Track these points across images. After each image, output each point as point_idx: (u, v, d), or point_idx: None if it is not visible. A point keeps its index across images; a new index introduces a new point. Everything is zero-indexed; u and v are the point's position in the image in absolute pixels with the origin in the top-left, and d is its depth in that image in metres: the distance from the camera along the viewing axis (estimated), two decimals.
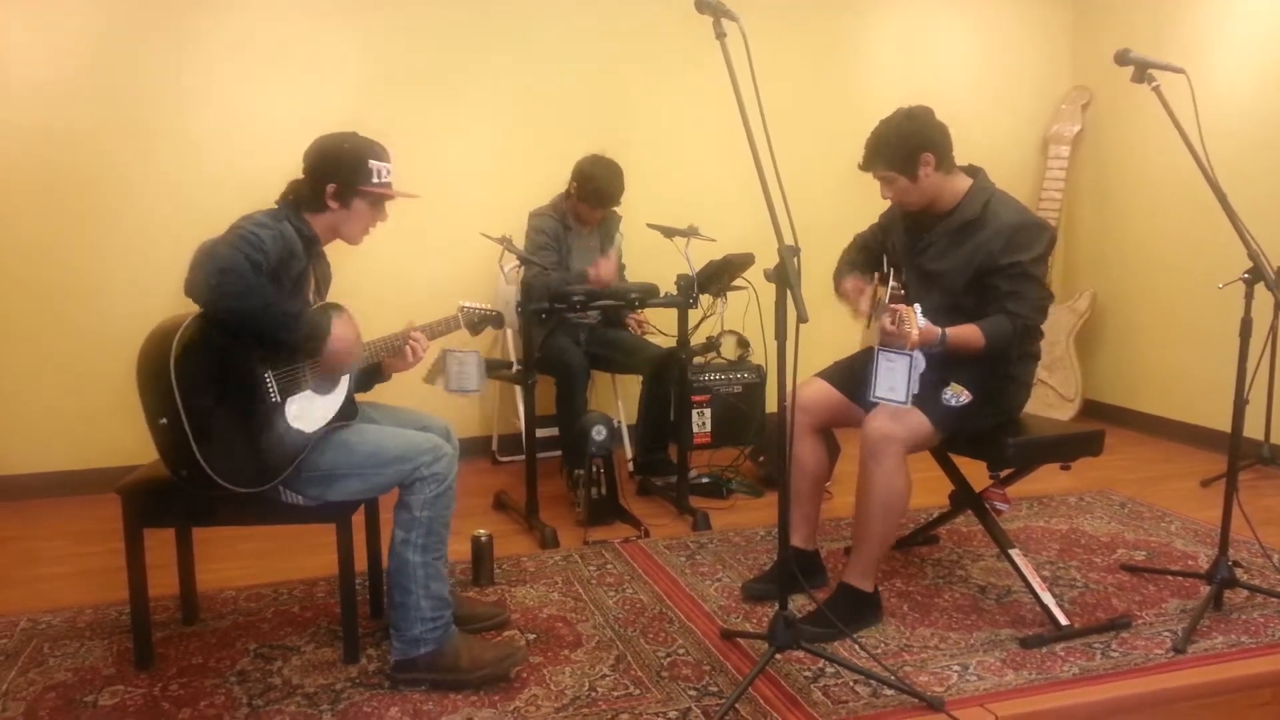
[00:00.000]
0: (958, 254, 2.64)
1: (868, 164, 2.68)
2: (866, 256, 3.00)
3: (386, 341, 2.46)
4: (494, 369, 3.94)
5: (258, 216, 2.24)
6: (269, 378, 2.22)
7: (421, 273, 4.28)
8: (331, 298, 2.53)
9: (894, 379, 2.46)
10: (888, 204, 2.97)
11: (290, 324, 2.17)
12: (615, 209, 4.14)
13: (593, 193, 3.87)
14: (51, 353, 3.91)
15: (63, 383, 3.92)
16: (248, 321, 2.14)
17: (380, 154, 2.37)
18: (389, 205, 2.46)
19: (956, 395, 2.55)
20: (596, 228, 4.09)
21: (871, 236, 3.02)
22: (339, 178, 2.32)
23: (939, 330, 2.48)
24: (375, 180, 2.35)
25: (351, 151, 2.34)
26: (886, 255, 2.92)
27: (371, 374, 2.55)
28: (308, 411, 2.29)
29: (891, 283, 2.76)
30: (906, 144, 2.59)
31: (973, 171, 2.71)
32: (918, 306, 2.39)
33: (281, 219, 2.28)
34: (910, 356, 2.42)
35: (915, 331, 2.33)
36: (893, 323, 2.40)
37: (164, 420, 2.11)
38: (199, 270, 2.09)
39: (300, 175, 2.37)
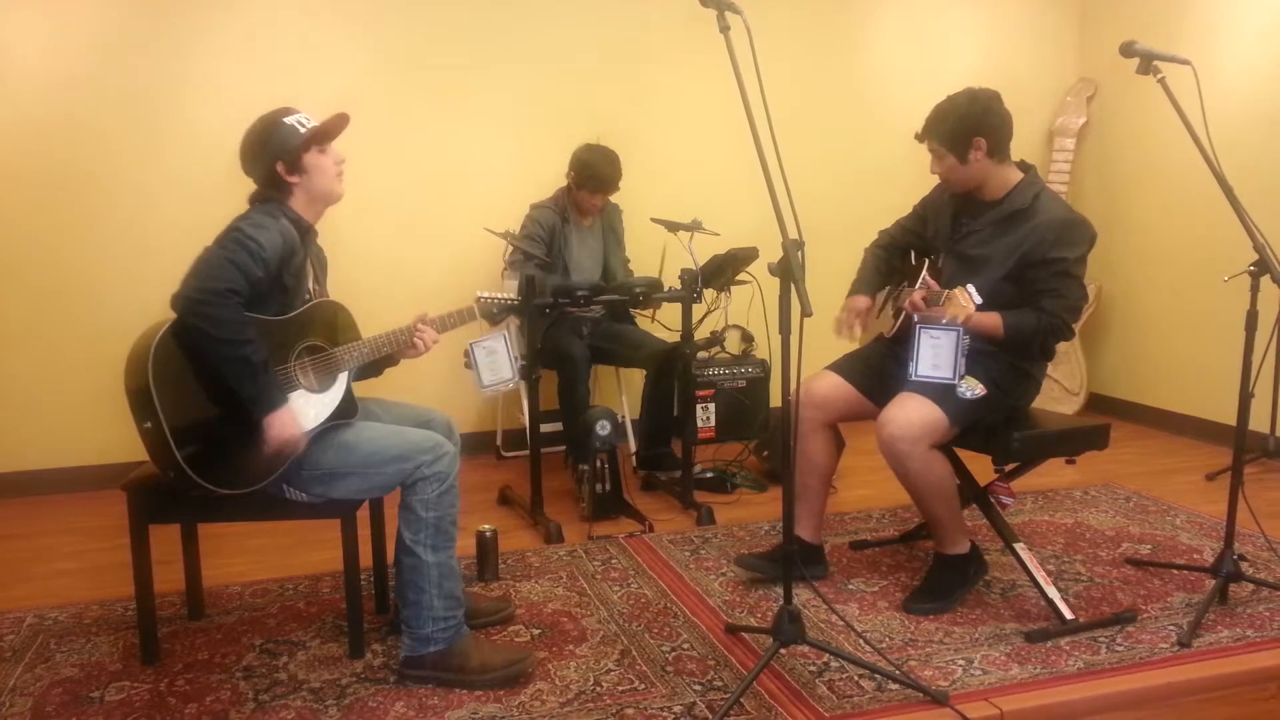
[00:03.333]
0: (1002, 242, 2.64)
1: (924, 134, 2.69)
2: (889, 262, 2.97)
3: (392, 335, 2.46)
4: None
5: (254, 216, 2.23)
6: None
7: (426, 267, 4.28)
8: (335, 294, 2.53)
9: (939, 356, 2.46)
10: (896, 197, 2.97)
11: (245, 372, 2.12)
12: (615, 203, 4.14)
13: (590, 179, 3.88)
14: (58, 349, 3.92)
15: (68, 379, 3.93)
16: (209, 347, 2.11)
17: (287, 112, 2.34)
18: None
19: (971, 388, 2.55)
20: (598, 221, 4.08)
21: (902, 231, 2.99)
22: (278, 153, 2.29)
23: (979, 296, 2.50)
24: (302, 130, 2.31)
25: (266, 127, 2.31)
26: (919, 247, 2.90)
27: (382, 360, 2.53)
28: (300, 411, 2.27)
29: (925, 272, 2.76)
30: (963, 124, 2.60)
31: (1025, 167, 2.72)
32: (971, 287, 2.40)
33: (278, 215, 2.27)
34: (957, 332, 2.43)
35: (972, 306, 2.35)
36: (940, 302, 2.41)
37: (148, 424, 2.13)
38: (194, 280, 2.09)
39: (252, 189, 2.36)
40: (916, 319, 2.58)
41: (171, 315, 2.15)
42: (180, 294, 2.10)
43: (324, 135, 2.34)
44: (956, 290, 2.41)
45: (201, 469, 2.16)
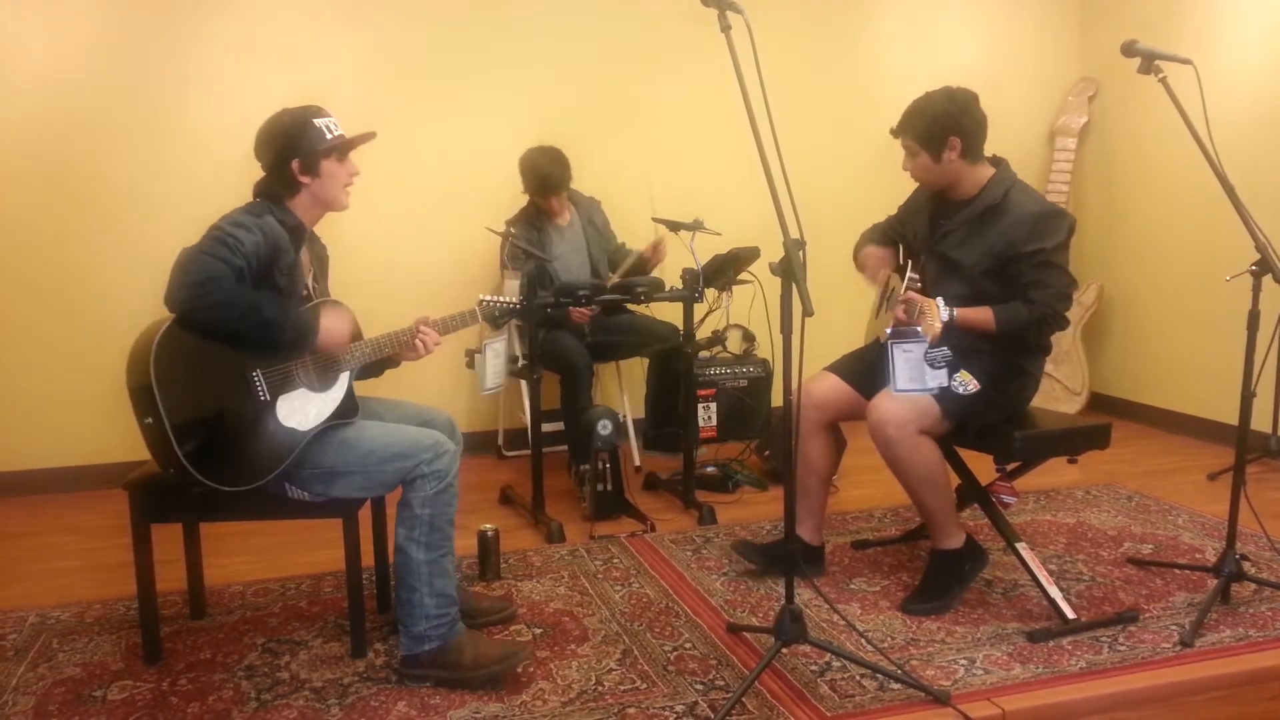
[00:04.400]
0: (978, 241, 2.64)
1: (899, 130, 2.69)
2: (887, 238, 2.99)
3: (394, 336, 2.45)
4: None
5: (235, 215, 2.23)
6: (257, 376, 2.22)
7: (425, 266, 4.28)
8: (335, 293, 2.53)
9: (914, 370, 2.47)
10: (898, 197, 2.98)
11: (274, 329, 2.18)
12: (591, 197, 4.13)
13: (539, 183, 3.87)
14: (60, 348, 3.93)
15: (70, 378, 3.93)
16: (231, 330, 2.15)
17: (319, 112, 2.35)
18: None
19: (965, 383, 2.55)
20: (574, 217, 4.07)
21: (890, 227, 3.01)
22: (298, 150, 2.30)
23: (948, 311, 2.49)
24: (329, 136, 2.33)
25: (294, 122, 2.32)
26: (905, 245, 2.91)
27: (383, 361, 2.54)
28: (301, 409, 2.29)
29: (909, 273, 2.76)
30: (938, 123, 2.60)
31: (996, 162, 2.72)
32: (940, 300, 2.40)
33: (262, 213, 2.26)
34: (924, 343, 2.43)
35: (939, 324, 2.35)
36: (914, 314, 2.41)
37: (149, 420, 2.14)
38: (176, 281, 2.10)
39: (260, 175, 2.36)
40: (891, 333, 2.58)
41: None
42: (170, 298, 2.11)
43: (348, 147, 2.37)
44: (929, 304, 2.42)
45: (202, 465, 2.17)
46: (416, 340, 2.47)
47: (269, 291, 2.22)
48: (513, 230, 3.84)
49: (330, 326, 2.32)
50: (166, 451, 2.15)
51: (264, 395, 2.23)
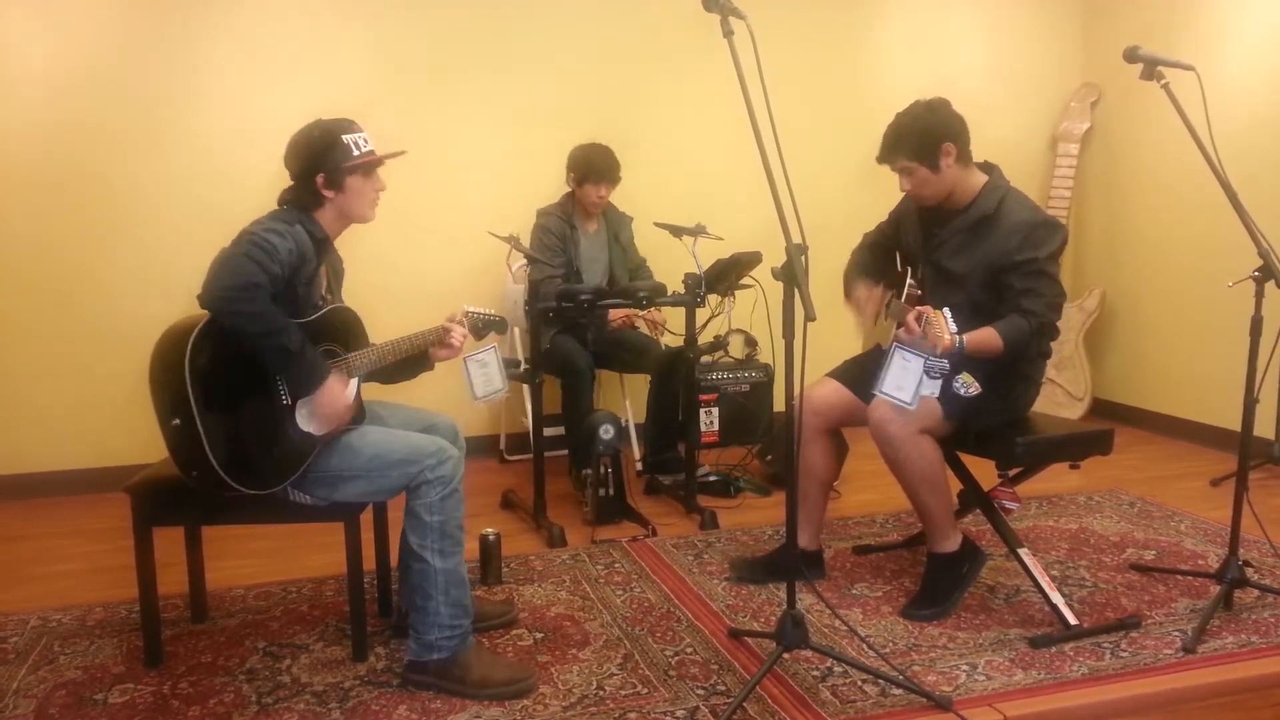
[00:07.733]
0: (973, 251, 2.64)
1: (887, 155, 2.67)
2: (877, 257, 2.99)
3: (398, 343, 2.47)
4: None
5: (268, 222, 2.24)
6: (280, 380, 2.23)
7: (429, 271, 4.29)
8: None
9: (904, 378, 2.46)
10: (897, 201, 2.97)
11: (287, 358, 2.16)
12: (624, 212, 4.14)
13: (591, 171, 3.90)
14: (62, 351, 3.93)
15: (72, 381, 3.94)
16: (250, 343, 2.15)
17: (350, 127, 2.36)
18: (383, 172, 2.43)
19: (967, 385, 2.55)
20: (603, 228, 4.08)
21: (881, 235, 3.01)
22: (324, 165, 2.30)
23: (958, 338, 2.47)
24: (356, 153, 2.33)
25: (323, 136, 2.32)
26: (900, 252, 2.91)
27: (418, 362, 2.56)
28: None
29: (908, 281, 2.75)
30: (930, 135, 2.59)
31: (988, 168, 2.72)
32: (948, 311, 2.39)
33: (294, 223, 2.27)
34: (925, 359, 2.42)
35: (948, 336, 2.34)
36: (920, 326, 2.41)
37: (176, 421, 2.13)
38: (217, 280, 2.10)
39: (289, 182, 2.36)
40: (895, 334, 2.58)
41: (199, 312, 2.16)
42: (208, 295, 2.11)
43: (374, 165, 2.38)
44: (936, 315, 2.41)
45: (226, 468, 2.16)
46: (444, 329, 2.51)
47: (295, 324, 2.20)
48: (514, 235, 3.82)
49: (328, 393, 2.24)
50: (195, 454, 2.14)
51: (286, 399, 2.23)
